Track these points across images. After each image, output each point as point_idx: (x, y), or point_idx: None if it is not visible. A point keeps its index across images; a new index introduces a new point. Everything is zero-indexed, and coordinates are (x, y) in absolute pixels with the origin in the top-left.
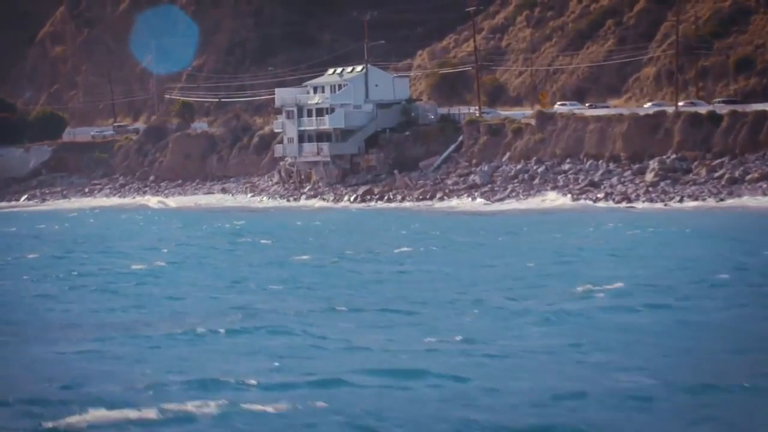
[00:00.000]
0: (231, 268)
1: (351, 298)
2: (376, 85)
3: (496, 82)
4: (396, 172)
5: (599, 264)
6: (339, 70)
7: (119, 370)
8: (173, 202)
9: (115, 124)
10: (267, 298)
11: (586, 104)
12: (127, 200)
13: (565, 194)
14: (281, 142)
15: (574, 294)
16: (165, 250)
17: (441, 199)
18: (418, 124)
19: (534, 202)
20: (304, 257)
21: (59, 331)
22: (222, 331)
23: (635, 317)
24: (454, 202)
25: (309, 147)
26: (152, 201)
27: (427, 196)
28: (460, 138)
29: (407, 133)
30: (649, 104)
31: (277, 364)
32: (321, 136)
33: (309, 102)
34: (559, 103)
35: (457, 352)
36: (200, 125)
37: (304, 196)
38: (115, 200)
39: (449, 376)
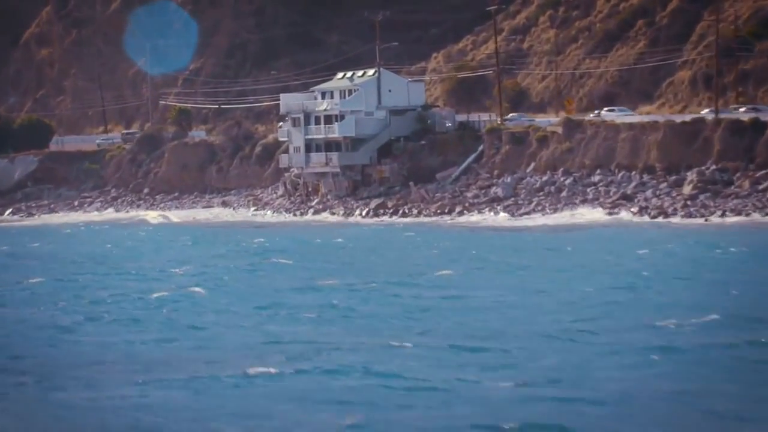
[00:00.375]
0: (258, 292)
1: (404, 330)
2: (390, 91)
3: (517, 87)
4: (411, 184)
5: (671, 289)
6: (349, 74)
7: (169, 423)
8: (174, 216)
9: (125, 132)
10: (307, 330)
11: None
12: (122, 214)
13: (595, 207)
14: (286, 151)
15: (658, 326)
16: (181, 272)
17: (461, 213)
18: (434, 132)
19: (563, 217)
20: (334, 280)
21: (85, 370)
22: (273, 371)
23: (750, 355)
24: (475, 217)
25: (317, 157)
26: (152, 215)
27: (446, 210)
28: (481, 147)
29: (423, 142)
30: (705, 110)
31: (359, 416)
32: (330, 146)
33: (317, 108)
34: (606, 108)
35: (553, 398)
36: (198, 133)
37: (311, 210)
38: (108, 214)
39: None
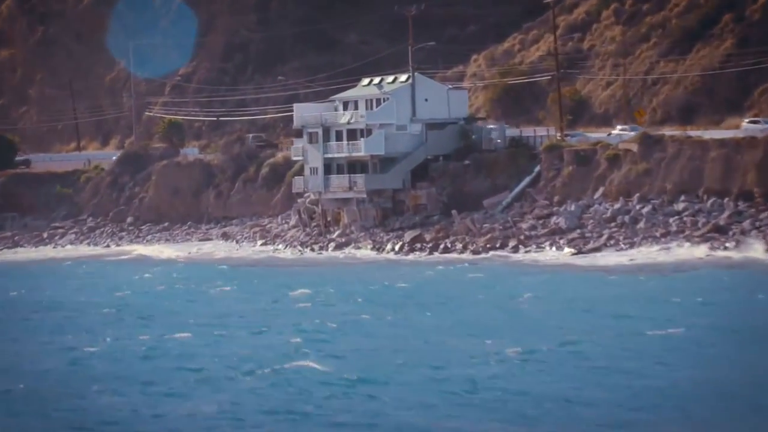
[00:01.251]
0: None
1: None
2: (426, 100)
3: (576, 95)
4: (454, 212)
5: None
6: (376, 79)
7: None
8: (174, 251)
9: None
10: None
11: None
12: (102, 249)
13: (682, 241)
14: (300, 173)
15: None
16: (297, 339)
17: (515, 248)
18: (480, 150)
19: (650, 254)
20: (517, 348)
21: None
22: None
23: None
24: (533, 253)
25: (338, 180)
26: (149, 250)
27: (497, 245)
28: (537, 168)
29: (467, 162)
30: None
31: None
32: (354, 166)
33: (338, 121)
34: (747, 120)
35: None
36: (191, 151)
37: (332, 245)
38: (84, 249)
39: None
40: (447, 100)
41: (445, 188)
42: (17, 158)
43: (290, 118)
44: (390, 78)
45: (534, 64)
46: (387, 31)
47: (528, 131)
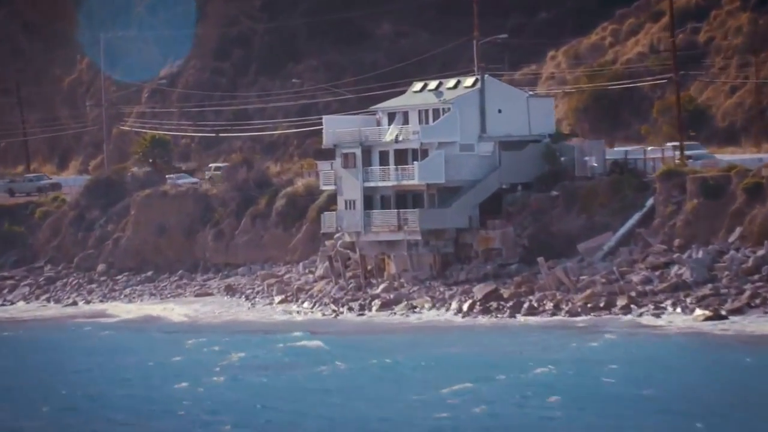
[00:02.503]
0: None
1: None
2: (500, 111)
3: (692, 103)
4: (541, 260)
5: None
6: (432, 84)
7: None
8: (181, 309)
9: (214, 166)
10: None
11: None
12: (69, 308)
13: None
14: (331, 207)
15: None
16: None
17: (625, 308)
18: (572, 177)
19: None
20: None
21: None
22: None
23: None
24: (649, 315)
25: (383, 216)
26: (156, 309)
27: (600, 304)
28: (650, 202)
29: (554, 192)
30: None
31: None
32: (404, 199)
33: (383, 139)
34: None
35: None
36: (182, 177)
37: (376, 303)
38: (41, 309)
39: None
40: (527, 111)
41: (525, 228)
42: None
43: (307, 134)
44: (450, 81)
45: (632, 62)
46: (430, 21)
47: (635, 152)
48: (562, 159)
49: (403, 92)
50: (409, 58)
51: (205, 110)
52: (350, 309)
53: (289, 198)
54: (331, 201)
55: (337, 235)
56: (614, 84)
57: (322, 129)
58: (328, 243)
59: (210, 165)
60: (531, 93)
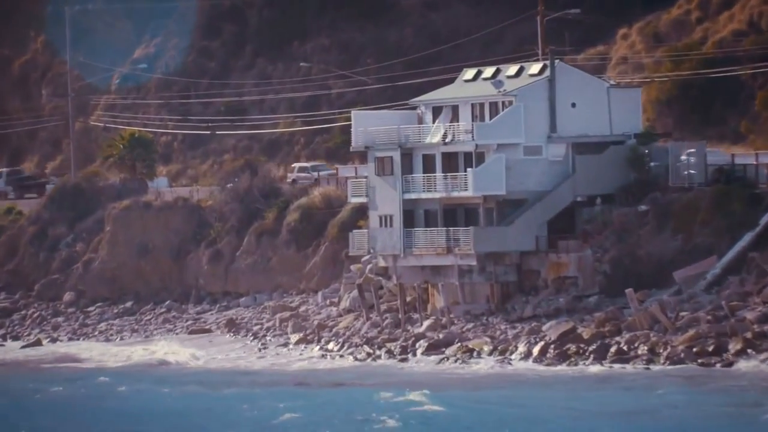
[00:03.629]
0: None
1: None
2: (573, 105)
3: None
4: (629, 292)
5: None
6: (487, 70)
7: None
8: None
9: (298, 166)
10: None
11: None
12: (29, 351)
13: None
14: (359, 223)
15: None
16: None
17: (740, 353)
18: (664, 187)
19: None
20: None
21: None
22: None
23: None
24: None
25: (428, 236)
26: (133, 353)
27: (708, 348)
28: (765, 219)
29: (643, 207)
30: None
31: None
32: (454, 214)
33: (427, 140)
34: None
35: None
36: (161, 183)
37: (422, 344)
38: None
39: None
40: (608, 105)
41: (606, 251)
42: None
43: (316, 131)
44: (511, 68)
45: (726, 43)
46: None
47: (744, 157)
48: (652, 165)
49: (439, 81)
50: (443, 35)
51: (191, 102)
52: (389, 352)
53: (304, 211)
54: (358, 215)
55: (364, 258)
56: (705, 72)
57: (333, 125)
58: (354, 268)
59: (293, 165)
60: (610, 84)
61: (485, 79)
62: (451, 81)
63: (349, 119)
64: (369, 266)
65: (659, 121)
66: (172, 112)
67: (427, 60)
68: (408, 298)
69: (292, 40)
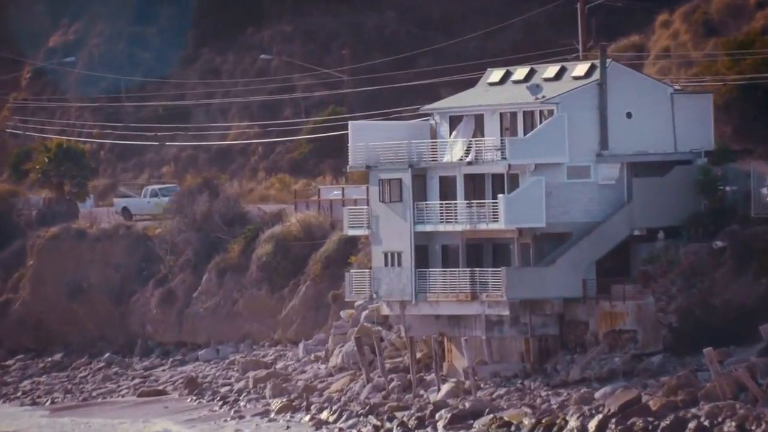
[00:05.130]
0: None
1: None
2: (629, 116)
3: None
4: (708, 351)
5: None
6: (520, 71)
7: None
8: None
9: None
10: None
11: None
12: None
13: None
14: (352, 258)
15: None
16: None
17: None
18: (744, 218)
19: None
20: None
21: None
22: None
23: None
24: None
25: (446, 278)
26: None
27: None
28: None
29: (718, 243)
30: None
31: None
32: (478, 250)
33: (445, 158)
34: None
35: None
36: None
37: (443, 416)
38: None
39: None
40: (671, 115)
41: (673, 298)
42: None
43: (286, 145)
44: (550, 69)
45: None
46: None
47: None
48: (729, 190)
49: (434, 76)
50: (434, 20)
51: (122, 105)
52: (403, 425)
53: (278, 242)
54: (347, 248)
55: (358, 302)
56: None
57: (300, 129)
58: (344, 315)
59: (146, 187)
60: (675, 88)
61: (517, 81)
62: (448, 76)
63: (320, 123)
64: (364, 313)
65: (715, 130)
66: (98, 115)
67: (416, 49)
68: (418, 354)
69: (246, 25)
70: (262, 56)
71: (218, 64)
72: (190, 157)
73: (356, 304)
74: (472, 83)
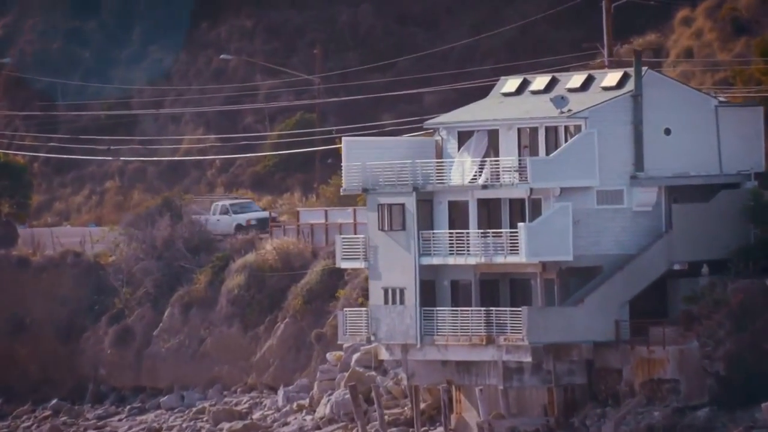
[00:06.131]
0: None
1: None
2: (668, 132)
3: None
4: (766, 407)
5: None
6: (539, 81)
7: None
8: None
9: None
10: None
11: None
12: None
13: None
14: (340, 293)
15: None
16: None
17: None
18: None
19: None
20: None
21: None
22: None
23: None
24: None
25: (456, 319)
26: None
27: None
28: None
29: None
30: None
31: None
32: (494, 288)
33: (454, 181)
34: None
35: None
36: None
37: None
38: None
39: None
40: (716, 131)
41: (720, 342)
42: None
43: (238, 150)
44: (575, 78)
45: None
46: None
47: None
48: None
49: (419, 82)
50: (414, 13)
51: (58, 114)
52: None
53: (252, 273)
54: (332, 280)
55: (347, 344)
56: None
57: (264, 139)
58: (332, 357)
59: (216, 203)
60: (718, 100)
61: (536, 92)
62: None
63: (285, 131)
64: (356, 356)
65: (766, 148)
66: (30, 122)
67: (395, 50)
68: (422, 405)
69: (200, 20)
70: (222, 56)
71: (168, 64)
72: (137, 171)
73: (345, 345)
74: (470, 89)
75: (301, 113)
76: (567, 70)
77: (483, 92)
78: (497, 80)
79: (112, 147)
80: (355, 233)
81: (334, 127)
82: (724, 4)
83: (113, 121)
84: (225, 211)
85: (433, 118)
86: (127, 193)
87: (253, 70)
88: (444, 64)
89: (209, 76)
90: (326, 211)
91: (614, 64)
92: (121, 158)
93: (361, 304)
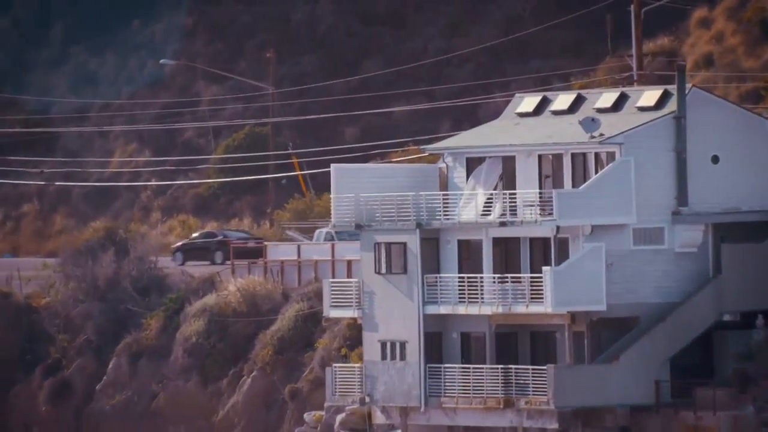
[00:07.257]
0: None
1: None
2: (716, 160)
3: None
4: None
5: None
6: (563, 100)
7: None
8: None
9: (324, 231)
10: None
11: None
12: None
13: None
14: (320, 342)
15: None
16: None
17: None
18: None
19: None
20: None
21: None
22: None
23: None
24: None
25: (467, 378)
26: None
27: None
28: None
29: None
30: None
31: None
32: (512, 342)
33: (464, 217)
34: None
35: None
36: None
37: None
38: None
39: None
40: None
41: None
42: None
43: (178, 170)
44: (605, 96)
45: None
46: None
47: None
48: None
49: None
50: (380, 12)
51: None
52: None
53: (212, 318)
54: (306, 326)
55: (328, 402)
56: None
57: (208, 156)
58: (309, 418)
59: (320, 229)
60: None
61: (558, 112)
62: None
63: (232, 146)
64: (340, 416)
65: None
66: None
67: (359, 53)
68: None
69: (130, 18)
70: (162, 61)
71: (94, 69)
72: (59, 192)
73: (326, 404)
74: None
75: (250, 126)
76: (567, 79)
77: (469, 106)
78: (479, 84)
79: (44, 170)
80: (333, 271)
81: (289, 142)
82: (748, 3)
83: (29, 135)
84: (330, 238)
85: (423, 137)
86: (47, 218)
87: (193, 76)
88: (416, 70)
89: (142, 82)
90: (299, 246)
91: (643, 79)
92: (51, 182)
93: (345, 356)
